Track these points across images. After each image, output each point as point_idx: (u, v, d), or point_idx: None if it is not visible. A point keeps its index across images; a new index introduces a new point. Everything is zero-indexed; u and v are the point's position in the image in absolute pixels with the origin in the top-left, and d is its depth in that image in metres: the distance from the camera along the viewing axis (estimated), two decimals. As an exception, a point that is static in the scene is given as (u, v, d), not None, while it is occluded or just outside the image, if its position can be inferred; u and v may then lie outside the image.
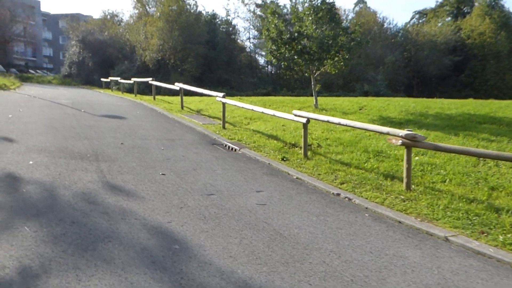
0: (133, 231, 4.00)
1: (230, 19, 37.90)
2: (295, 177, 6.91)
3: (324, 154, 8.38)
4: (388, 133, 6.27)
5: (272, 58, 13.85)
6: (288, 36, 12.93)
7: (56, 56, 73.07)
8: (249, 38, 39.87)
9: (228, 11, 35.85)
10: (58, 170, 5.86)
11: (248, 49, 40.54)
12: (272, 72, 40.30)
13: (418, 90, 37.50)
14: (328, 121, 7.52)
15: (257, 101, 16.69)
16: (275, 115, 9.33)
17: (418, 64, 37.77)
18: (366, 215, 5.24)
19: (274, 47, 13.46)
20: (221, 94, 11.17)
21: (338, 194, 6.08)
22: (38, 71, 58.33)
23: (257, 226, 4.47)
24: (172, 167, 6.78)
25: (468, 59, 38.16)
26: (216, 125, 11.93)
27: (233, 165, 7.38)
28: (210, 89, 15.57)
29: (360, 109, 13.97)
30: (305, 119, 7.98)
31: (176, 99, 19.49)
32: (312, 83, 14.24)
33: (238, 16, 60.27)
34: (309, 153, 8.34)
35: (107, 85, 31.61)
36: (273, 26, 13.20)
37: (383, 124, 10.41)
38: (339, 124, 7.26)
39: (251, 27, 39.80)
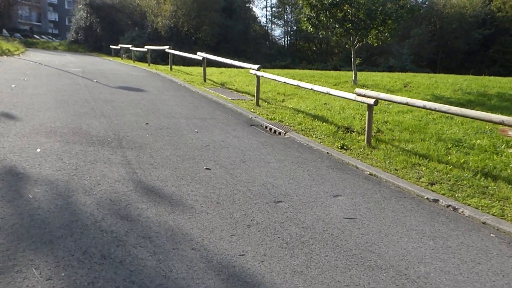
0: (196, 275, 2.63)
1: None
2: (367, 172, 5.50)
3: (389, 141, 6.93)
4: (502, 123, 4.78)
5: (309, 26, 12.14)
6: (329, 1, 11.19)
7: (62, 21, 70.76)
8: (265, 7, 37.48)
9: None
10: (73, 162, 4.47)
11: (264, 18, 38.30)
12: (288, 43, 38.22)
13: (442, 65, 35.42)
14: (407, 104, 6.02)
15: (284, 74, 15.10)
16: (329, 93, 7.81)
17: (443, 38, 35.46)
18: (493, 235, 3.85)
19: (312, 14, 11.74)
20: (256, 66, 9.63)
21: (436, 201, 4.67)
22: (43, 36, 56.35)
23: (364, 259, 3.10)
24: (215, 157, 5.38)
25: (498, 33, 35.76)
26: (247, 101, 10.45)
27: (286, 154, 5.97)
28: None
29: (405, 87, 12.39)
30: (373, 100, 6.48)
31: (195, 70, 17.93)
32: (352, 56, 12.59)
33: None
34: (372, 140, 6.90)
35: (116, 53, 29.92)
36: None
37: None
38: (424, 108, 5.76)
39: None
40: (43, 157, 4.52)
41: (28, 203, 3.37)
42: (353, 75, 12.57)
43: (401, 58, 28.76)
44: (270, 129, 7.79)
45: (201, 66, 21.59)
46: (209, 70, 18.49)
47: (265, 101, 10.33)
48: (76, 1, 38.51)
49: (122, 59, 26.27)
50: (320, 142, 6.92)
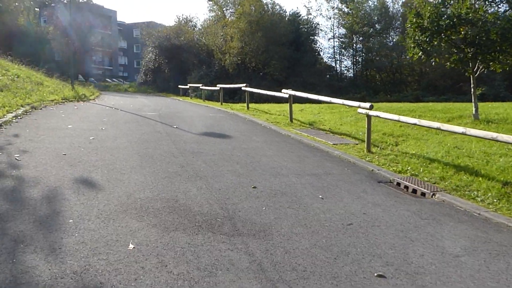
0: None
1: (311, 18, 34.59)
2: None
3: None
4: None
5: (419, 53, 10.26)
6: (447, 22, 9.28)
7: (131, 64, 74.70)
8: (333, 37, 36.14)
9: (309, 9, 32.78)
10: (183, 272, 2.93)
11: (331, 49, 36.78)
12: (357, 74, 36.23)
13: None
14: None
15: (388, 110, 13.21)
16: (466, 133, 5.85)
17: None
18: None
19: (424, 38, 9.88)
20: (367, 104, 7.89)
21: None
22: (114, 79, 59.36)
23: None
24: (375, 247, 3.62)
25: None
26: (352, 146, 8.69)
27: (467, 236, 4.06)
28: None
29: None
30: None
31: (272, 107, 16.61)
32: (472, 85, 10.45)
33: (321, 14, 55.90)
34: None
35: (184, 92, 29.79)
36: (428, 9, 9.59)
37: None
38: None
39: (337, 25, 35.94)
40: (140, 262, 3.03)
41: None
42: (474, 108, 10.35)
43: (493, 84, 25.58)
44: (406, 187, 5.93)
45: (275, 103, 20.29)
46: (285, 106, 17.09)
47: (375, 145, 8.49)
48: (145, 44, 39.78)
49: (191, 98, 25.88)
50: (496, 210, 4.91)
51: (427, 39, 9.77)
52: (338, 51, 36.09)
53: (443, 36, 9.59)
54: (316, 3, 51.97)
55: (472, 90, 10.46)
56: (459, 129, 6.23)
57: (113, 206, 4.21)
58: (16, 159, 5.81)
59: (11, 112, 10.00)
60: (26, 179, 4.90)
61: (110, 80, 55.85)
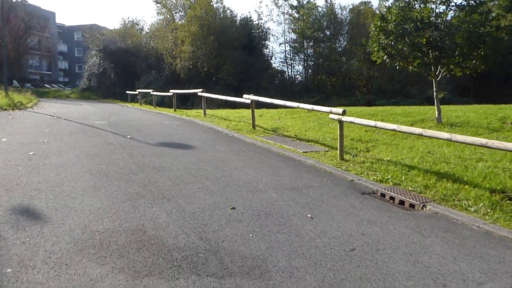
0: None
1: (263, 23, 34.35)
2: None
3: None
4: None
5: (383, 56, 10.08)
6: (412, 25, 9.14)
7: (72, 69, 70.72)
8: (284, 42, 36.12)
9: (260, 14, 32.39)
10: None
11: (282, 54, 36.73)
12: (309, 78, 36.51)
13: (475, 94, 33.30)
14: None
15: (349, 115, 12.98)
16: (460, 141, 5.57)
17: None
18: None
19: (388, 42, 9.69)
20: (339, 110, 7.46)
21: None
22: (54, 85, 55.63)
23: None
24: (395, 283, 3.08)
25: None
26: (323, 153, 8.24)
27: (485, 259, 3.65)
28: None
29: (503, 123, 10.14)
30: None
31: (230, 113, 15.94)
32: (434, 88, 10.45)
33: (272, 19, 55.82)
34: None
35: (133, 98, 28.29)
36: (395, 12, 9.39)
37: None
38: None
39: (288, 30, 35.98)
40: (109, 332, 2.24)
41: None
42: (436, 112, 10.35)
43: (439, 87, 26.65)
44: (392, 198, 5.51)
45: (230, 108, 19.63)
46: (244, 112, 16.50)
47: (346, 152, 8.10)
48: (88, 48, 37.52)
49: (140, 104, 24.54)
50: (494, 221, 4.59)
51: (392, 43, 9.61)
52: (289, 56, 36.22)
53: (407, 40, 9.47)
54: (267, 8, 52.04)
55: (435, 94, 10.47)
56: (445, 135, 5.93)
57: (64, 244, 3.34)
58: None
59: None
60: None
61: (49, 86, 52.24)
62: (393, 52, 9.84)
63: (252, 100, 11.18)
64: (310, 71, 36.59)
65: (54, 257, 3.10)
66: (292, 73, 37.09)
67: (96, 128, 10.30)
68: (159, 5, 35.25)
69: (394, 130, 6.47)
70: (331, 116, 7.78)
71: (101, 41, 34.36)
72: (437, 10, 9.67)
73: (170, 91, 18.56)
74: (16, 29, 42.61)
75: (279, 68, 36.45)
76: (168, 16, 34.65)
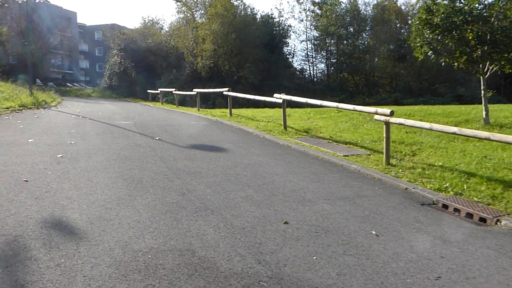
0: None
1: (284, 20, 33.70)
2: None
3: None
4: None
5: (428, 52, 9.41)
6: (460, 18, 8.46)
7: (93, 68, 71.38)
8: (306, 40, 35.41)
9: (280, 12, 31.63)
10: None
11: (303, 52, 35.99)
12: (332, 77, 35.73)
13: (505, 92, 31.98)
14: None
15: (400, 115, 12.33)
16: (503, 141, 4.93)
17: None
18: None
19: (434, 36, 9.02)
20: (386, 111, 6.87)
21: None
22: (75, 84, 56.16)
23: None
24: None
25: None
26: (364, 156, 7.66)
27: None
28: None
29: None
30: None
31: (256, 113, 15.43)
32: (482, 87, 9.71)
33: (293, 16, 54.67)
34: None
35: (154, 97, 28.09)
36: (443, 4, 8.70)
37: None
38: None
39: (310, 27, 35.28)
40: None
41: None
42: (484, 112, 9.62)
43: (470, 86, 25.60)
44: (457, 210, 4.91)
45: (252, 107, 19.13)
46: (270, 112, 15.99)
47: (392, 156, 7.49)
48: (110, 47, 37.59)
49: (162, 104, 24.25)
50: None
51: (438, 37, 8.93)
52: (311, 54, 35.48)
53: (455, 34, 8.78)
54: (288, 5, 51.25)
55: (483, 92, 9.73)
56: (500, 136, 5.27)
57: (104, 268, 2.88)
58: (-42, 191, 4.33)
59: (-44, 124, 8.31)
60: (-28, 225, 3.48)
61: (71, 85, 52.76)
62: (438, 47, 9.16)
63: (284, 100, 10.64)
64: (332, 69, 35.79)
65: (95, 285, 2.64)
66: (314, 71, 36.41)
67: (122, 129, 9.93)
68: (179, 3, 35.05)
69: (455, 133, 5.84)
70: (376, 117, 7.19)
71: (122, 40, 34.32)
72: (485, 2, 8.94)
73: (194, 90, 18.15)
74: (39, 29, 43.09)
75: (300, 66, 35.80)
76: (188, 15, 34.39)
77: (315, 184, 5.62)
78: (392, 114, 6.85)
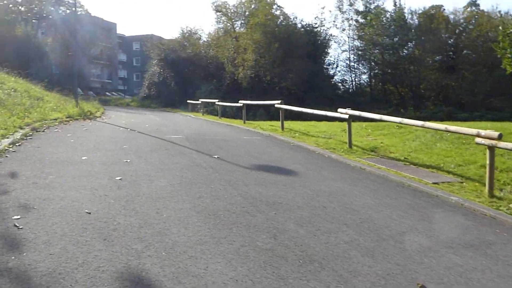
0: None
1: (325, 29, 32.74)
2: None
3: None
4: None
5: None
6: None
7: (130, 78, 72.69)
8: (349, 49, 34.34)
9: (322, 21, 30.64)
10: None
11: (344, 63, 34.93)
12: (376, 88, 34.39)
13: None
14: None
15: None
16: None
17: None
18: None
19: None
20: (495, 133, 5.80)
21: None
22: (113, 93, 57.22)
23: None
24: None
25: None
26: (457, 184, 6.62)
27: None
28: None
29: None
30: None
31: (309, 127, 14.50)
32: None
33: (335, 25, 53.50)
34: None
35: (193, 108, 27.74)
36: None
37: None
38: None
39: (352, 37, 34.20)
40: None
41: None
42: None
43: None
44: None
45: (293, 120, 18.20)
46: (321, 126, 15.05)
47: (478, 182, 6.40)
48: (149, 57, 37.85)
49: (203, 115, 23.80)
50: None
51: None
52: (353, 64, 34.29)
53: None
54: (330, 14, 50.14)
55: None
56: None
57: None
58: (15, 226, 3.66)
59: (7, 137, 7.87)
60: (35, 280, 2.74)
61: (109, 94, 53.77)
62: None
63: (350, 115, 9.69)
64: (375, 80, 34.44)
65: None
66: (356, 82, 35.13)
67: (175, 144, 9.27)
68: (219, 13, 34.84)
69: None
70: (478, 140, 6.13)
71: (162, 50, 34.40)
72: None
73: (240, 101, 17.47)
74: (81, 40, 44.06)
75: (341, 77, 34.66)
76: (228, 25, 34.08)
77: (422, 224, 4.64)
78: (500, 137, 5.78)
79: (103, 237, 3.59)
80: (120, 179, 5.65)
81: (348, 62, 33.97)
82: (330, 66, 32.04)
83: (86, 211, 4.20)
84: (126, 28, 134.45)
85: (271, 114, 25.12)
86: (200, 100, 24.39)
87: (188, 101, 27.72)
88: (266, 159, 8.15)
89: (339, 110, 10.26)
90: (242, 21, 32.14)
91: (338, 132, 13.02)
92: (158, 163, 6.92)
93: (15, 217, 3.85)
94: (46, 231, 3.59)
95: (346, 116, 9.75)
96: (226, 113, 24.62)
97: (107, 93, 53.52)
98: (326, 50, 32.05)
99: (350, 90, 33.59)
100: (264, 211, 4.66)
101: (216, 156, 7.93)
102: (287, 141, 11.00)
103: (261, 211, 4.65)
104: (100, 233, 3.66)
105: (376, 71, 33.48)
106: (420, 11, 35.07)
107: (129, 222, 4.00)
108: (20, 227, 3.63)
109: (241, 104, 17.08)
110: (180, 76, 32.79)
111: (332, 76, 31.18)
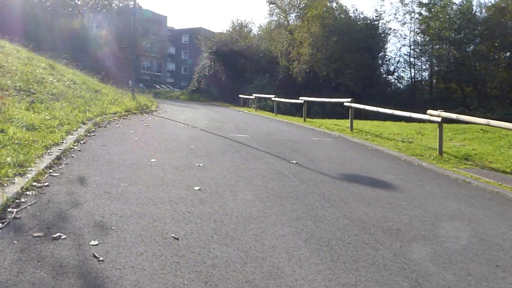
0: None
1: (385, 23, 30.85)
2: None
3: None
4: None
5: None
6: None
7: (178, 70, 73.48)
8: (409, 45, 32.21)
9: (381, 14, 28.70)
10: None
11: (402, 59, 32.82)
12: (439, 86, 32.11)
13: None
14: None
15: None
16: None
17: None
18: None
19: None
20: None
21: None
22: (162, 86, 57.90)
23: None
24: None
25: None
26: None
27: None
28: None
29: None
30: None
31: (379, 128, 13.32)
32: None
33: (396, 19, 50.49)
34: None
35: (245, 103, 27.06)
36: None
37: None
38: None
39: (415, 31, 32.02)
40: None
41: None
42: None
43: None
44: None
45: (336, 118, 16.97)
46: (392, 127, 13.79)
47: None
48: (200, 50, 37.60)
49: (256, 110, 23.02)
50: None
51: None
52: (414, 61, 32.14)
53: None
54: (391, 6, 47.54)
55: None
56: None
57: None
58: (95, 256, 2.94)
59: (72, 134, 7.39)
60: None
61: (158, 86, 54.40)
62: None
63: (443, 118, 8.47)
64: (436, 77, 32.12)
65: None
66: (416, 79, 32.92)
67: (244, 145, 8.48)
68: (272, 5, 33.85)
69: None
70: None
71: (214, 43, 33.95)
72: None
73: (301, 98, 16.49)
74: (134, 32, 44.61)
75: (398, 74, 32.61)
76: (282, 17, 33.03)
77: None
78: None
79: (203, 279, 2.79)
80: (199, 189, 4.89)
81: (408, 57, 31.86)
82: (389, 61, 30.18)
83: (173, 235, 3.44)
84: (176, 21, 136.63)
85: (326, 111, 23.93)
86: (253, 95, 23.60)
87: (240, 95, 27.06)
88: (351, 166, 7.16)
89: (429, 112, 9.07)
90: (297, 14, 30.95)
91: (414, 135, 11.78)
92: (234, 169, 6.13)
93: (93, 242, 3.15)
94: (132, 267, 2.84)
95: (438, 119, 8.52)
96: (280, 109, 23.73)
97: (156, 85, 54.17)
98: (384, 45, 30.22)
99: (408, 88, 31.51)
100: (385, 241, 3.71)
101: (294, 162, 7.04)
102: (362, 144, 9.92)
103: (381, 241, 3.71)
104: (198, 272, 2.86)
105: (439, 68, 31.17)
106: (489, 4, 32.28)
107: (227, 254, 3.19)
108: (101, 258, 2.91)
109: (302, 101, 16.08)
110: (231, 70, 32.20)
111: (392, 72, 29.32)
